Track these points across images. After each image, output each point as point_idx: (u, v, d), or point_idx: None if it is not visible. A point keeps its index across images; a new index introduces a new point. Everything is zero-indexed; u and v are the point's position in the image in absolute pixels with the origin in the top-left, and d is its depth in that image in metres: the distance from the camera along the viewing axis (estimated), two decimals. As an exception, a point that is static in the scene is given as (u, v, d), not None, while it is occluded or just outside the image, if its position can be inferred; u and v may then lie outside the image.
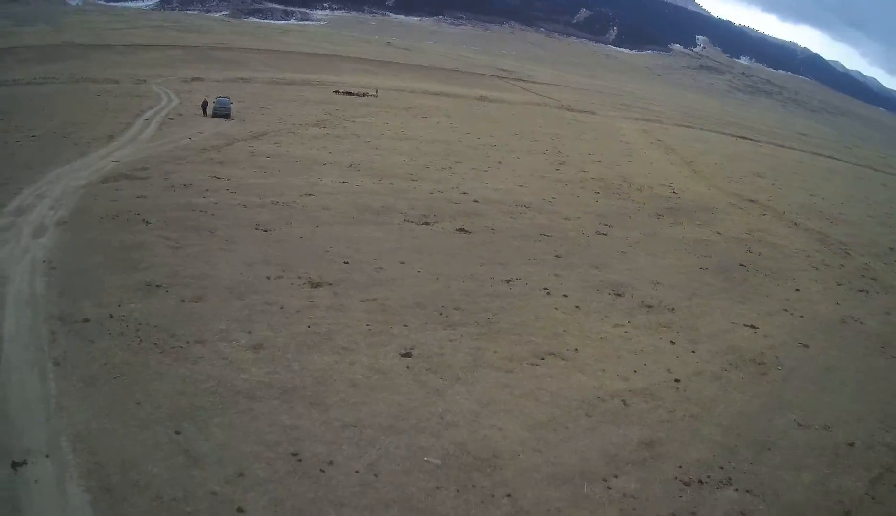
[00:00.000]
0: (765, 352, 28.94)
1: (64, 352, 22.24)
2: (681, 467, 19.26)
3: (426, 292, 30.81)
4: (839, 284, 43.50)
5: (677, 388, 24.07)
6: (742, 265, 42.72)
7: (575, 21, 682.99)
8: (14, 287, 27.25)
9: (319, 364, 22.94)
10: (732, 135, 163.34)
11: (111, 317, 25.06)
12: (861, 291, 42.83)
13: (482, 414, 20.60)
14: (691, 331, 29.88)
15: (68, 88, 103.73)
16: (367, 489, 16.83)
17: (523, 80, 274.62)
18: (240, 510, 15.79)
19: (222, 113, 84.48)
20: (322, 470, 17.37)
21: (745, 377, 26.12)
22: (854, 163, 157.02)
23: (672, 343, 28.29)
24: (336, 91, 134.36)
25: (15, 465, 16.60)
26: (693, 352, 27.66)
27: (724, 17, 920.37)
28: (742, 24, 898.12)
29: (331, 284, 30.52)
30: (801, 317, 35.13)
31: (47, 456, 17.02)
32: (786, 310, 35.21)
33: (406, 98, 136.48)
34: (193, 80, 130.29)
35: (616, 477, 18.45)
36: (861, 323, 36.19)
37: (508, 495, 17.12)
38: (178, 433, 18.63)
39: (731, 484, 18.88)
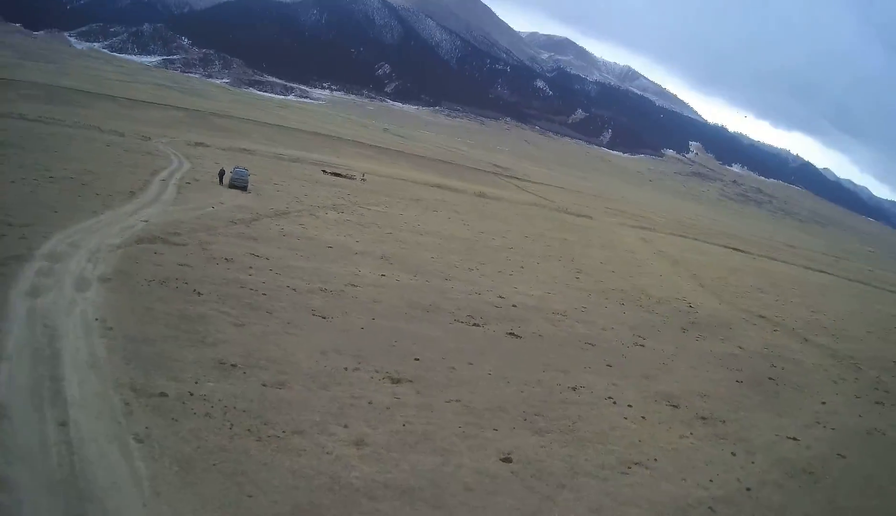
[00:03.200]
0: (811, 462, 30.86)
1: (146, 429, 21.29)
2: None
3: (504, 396, 31.45)
4: (857, 397, 45.92)
5: (750, 496, 25.46)
6: (771, 379, 44.35)
7: (570, 121, 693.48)
8: (69, 344, 26.72)
9: (427, 465, 23.00)
10: (725, 247, 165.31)
11: (191, 394, 24.57)
12: (878, 403, 45.31)
13: None
14: (746, 443, 31.24)
15: (77, 133, 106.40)
16: None
17: (518, 178, 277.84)
18: None
19: (240, 184, 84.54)
20: None
21: (801, 486, 27.95)
22: (845, 277, 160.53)
23: (733, 454, 29.60)
24: (324, 171, 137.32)
25: None
26: (753, 462, 29.07)
27: (718, 123, 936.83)
28: (735, 130, 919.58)
29: (410, 381, 30.96)
30: (833, 429, 36.99)
31: None
32: (818, 422, 37.07)
33: (410, 188, 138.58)
34: (198, 144, 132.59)
35: None
36: (884, 434, 38.62)
37: None
38: None
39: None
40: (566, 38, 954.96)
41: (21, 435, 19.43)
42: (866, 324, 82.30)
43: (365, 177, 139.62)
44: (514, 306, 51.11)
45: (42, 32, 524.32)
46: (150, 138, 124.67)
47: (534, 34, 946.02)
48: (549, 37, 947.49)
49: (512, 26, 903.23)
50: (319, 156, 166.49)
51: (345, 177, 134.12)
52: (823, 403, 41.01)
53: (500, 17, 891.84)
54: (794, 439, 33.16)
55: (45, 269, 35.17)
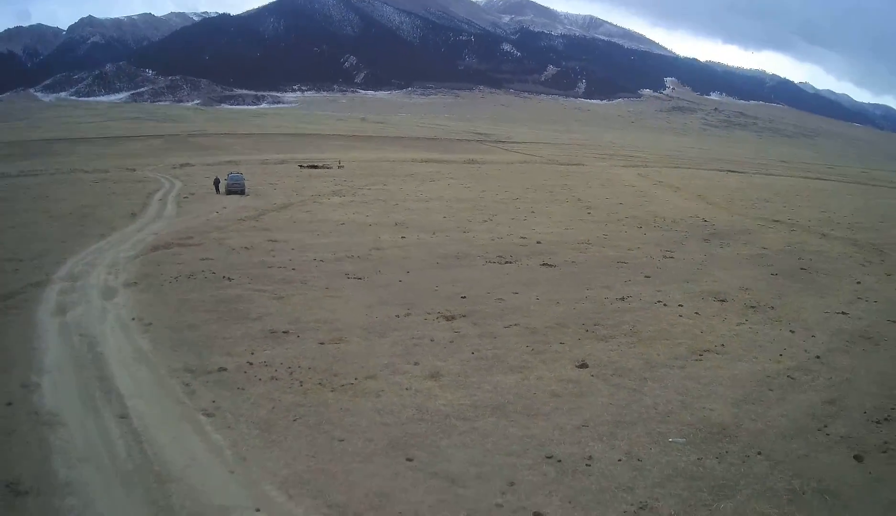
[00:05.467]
0: (867, 330, 31.94)
1: (213, 402, 21.22)
2: (865, 412, 21.87)
3: (558, 314, 31.77)
4: (888, 275, 46.81)
5: (822, 362, 26.33)
6: (803, 269, 45.19)
7: (543, 79, 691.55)
8: (110, 345, 26.52)
9: (508, 383, 23.09)
10: (720, 170, 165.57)
11: (251, 364, 24.54)
12: None
13: (687, 401, 21.54)
14: (801, 322, 32.00)
15: (62, 178, 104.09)
16: (641, 472, 17.17)
17: (502, 142, 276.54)
18: (537, 513, 15.44)
19: (237, 189, 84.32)
20: (588, 465, 17.44)
21: (864, 349, 28.99)
22: (842, 180, 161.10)
23: (792, 332, 30.33)
24: (300, 165, 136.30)
25: None
26: (813, 336, 29.89)
27: (690, 56, 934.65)
28: (707, 59, 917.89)
29: (464, 316, 31.23)
30: (876, 301, 38.17)
31: (258, 510, 15.59)
32: (860, 298, 38.22)
33: (401, 167, 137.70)
34: (183, 165, 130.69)
35: (826, 426, 20.46)
36: (926, 301, 39.35)
37: (759, 452, 18.22)
38: (410, 460, 17.80)
39: (912, 418, 21.49)
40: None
41: (80, 436, 19.08)
42: (877, 216, 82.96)
43: (342, 164, 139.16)
44: (538, 243, 51.48)
45: (7, 94, 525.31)
46: (135, 169, 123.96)
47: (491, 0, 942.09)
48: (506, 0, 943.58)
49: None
50: (304, 155, 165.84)
51: (322, 168, 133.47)
52: (858, 283, 41.92)
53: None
54: (844, 313, 34.03)
55: (67, 288, 35.13)
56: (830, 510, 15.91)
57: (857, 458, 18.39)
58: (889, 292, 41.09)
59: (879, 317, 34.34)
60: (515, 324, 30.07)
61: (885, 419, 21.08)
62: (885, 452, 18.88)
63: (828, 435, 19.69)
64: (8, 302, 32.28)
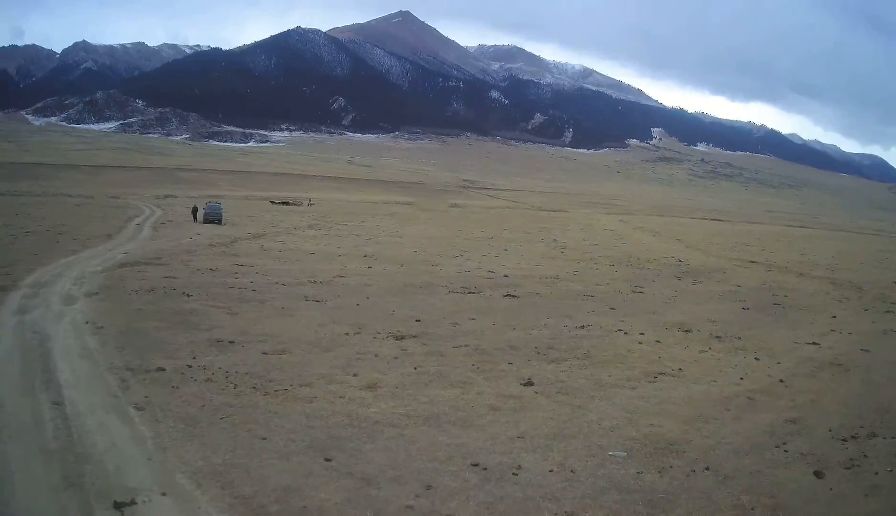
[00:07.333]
0: (837, 357, 31.17)
1: (145, 397, 21.12)
2: (830, 430, 20.89)
3: (512, 338, 31.15)
4: (866, 310, 47.09)
5: (785, 386, 25.63)
6: (776, 304, 45.02)
7: (531, 127, 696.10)
8: (60, 343, 26.70)
9: (447, 396, 22.55)
10: (703, 219, 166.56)
11: (190, 366, 24.48)
12: (888, 312, 46.46)
13: (634, 418, 20.78)
14: (767, 351, 31.40)
15: (46, 200, 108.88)
16: (572, 483, 16.38)
17: (488, 189, 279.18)
18: (447, 517, 14.71)
19: (214, 218, 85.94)
20: (515, 474, 16.77)
21: (833, 374, 28.24)
22: (826, 228, 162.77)
23: (756, 359, 29.78)
24: (272, 201, 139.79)
25: (119, 506, 14.74)
26: (779, 363, 29.26)
27: (677, 106, 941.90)
28: (695, 110, 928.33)
29: (415, 337, 30.72)
30: (850, 333, 37.61)
31: (164, 494, 15.39)
32: (833, 330, 37.75)
33: (382, 207, 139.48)
34: (166, 197, 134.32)
35: (785, 443, 19.52)
36: (899, 333, 39.50)
37: (707, 468, 17.39)
38: (328, 460, 17.33)
39: (877, 436, 20.70)
40: (514, 46, 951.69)
41: (14, 417, 19.11)
42: (858, 259, 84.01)
43: (312, 201, 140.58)
44: (505, 276, 51.23)
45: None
46: (118, 197, 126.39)
47: (481, 46, 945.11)
48: (496, 47, 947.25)
49: (458, 42, 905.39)
50: (287, 194, 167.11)
51: (293, 204, 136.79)
52: (834, 316, 41.59)
53: (446, 35, 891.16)
54: (815, 343, 33.53)
55: (31, 294, 35.45)
56: (783, 526, 14.95)
57: (817, 474, 17.56)
58: (865, 324, 40.92)
59: (852, 347, 33.97)
60: (465, 345, 29.54)
61: (853, 437, 20.30)
62: (849, 469, 18.08)
63: (786, 451, 18.96)
64: (-28, 303, 32.85)
